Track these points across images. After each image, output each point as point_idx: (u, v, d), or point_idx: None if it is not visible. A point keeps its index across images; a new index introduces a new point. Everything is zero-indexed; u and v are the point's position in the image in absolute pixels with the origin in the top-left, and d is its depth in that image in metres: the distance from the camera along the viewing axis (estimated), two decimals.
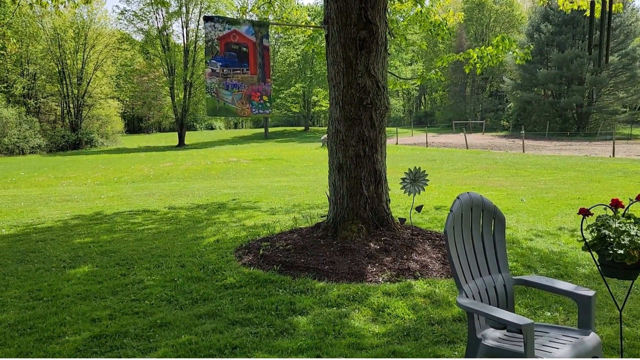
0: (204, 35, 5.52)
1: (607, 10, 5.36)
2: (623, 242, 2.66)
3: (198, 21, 45.51)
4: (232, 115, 5.71)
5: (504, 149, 27.97)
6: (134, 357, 3.40)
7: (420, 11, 8.69)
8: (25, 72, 43.84)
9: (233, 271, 5.19)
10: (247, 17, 13.82)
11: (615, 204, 2.86)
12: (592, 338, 2.60)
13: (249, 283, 4.80)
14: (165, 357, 3.38)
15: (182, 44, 47.06)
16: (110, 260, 5.80)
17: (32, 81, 44.53)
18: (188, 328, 3.83)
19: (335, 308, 4.14)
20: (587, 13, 6.73)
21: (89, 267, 5.55)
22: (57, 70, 44.36)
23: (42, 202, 11.35)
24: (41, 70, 44.74)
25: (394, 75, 8.98)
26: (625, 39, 41.95)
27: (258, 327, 3.82)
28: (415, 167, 6.69)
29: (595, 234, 2.83)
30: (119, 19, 69.07)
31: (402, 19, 9.52)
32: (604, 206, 2.98)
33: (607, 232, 2.76)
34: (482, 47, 8.33)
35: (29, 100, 43.58)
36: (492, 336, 2.70)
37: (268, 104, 5.80)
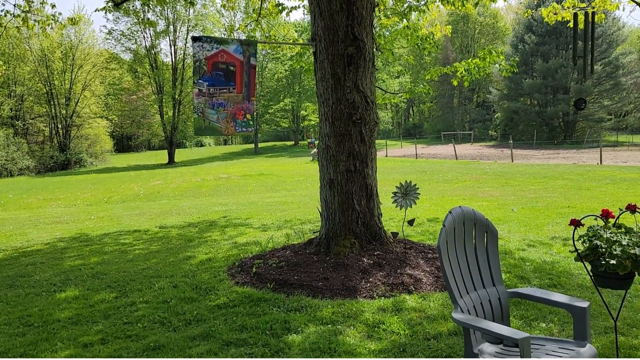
0: (192, 55, 5.55)
1: (590, 21, 5.46)
2: (615, 253, 2.67)
3: (186, 39, 45.67)
4: (217, 134, 5.75)
5: (492, 158, 28.17)
6: None
7: (407, 26, 8.77)
8: (12, 94, 43.59)
9: (226, 290, 5.15)
10: (235, 35, 13.90)
11: (606, 215, 2.88)
12: (588, 350, 2.60)
13: (243, 302, 4.75)
14: None
15: (171, 62, 47.12)
16: (101, 283, 5.73)
17: (20, 102, 44.26)
18: (182, 350, 3.78)
19: (330, 325, 4.11)
20: (571, 24, 6.84)
21: (80, 290, 5.48)
22: (44, 91, 44.19)
23: (31, 224, 11.22)
24: (29, 91, 44.52)
25: (381, 89, 9.04)
26: (608, 47, 42.70)
27: (253, 347, 3.78)
28: (406, 180, 6.70)
29: (587, 245, 2.84)
30: (107, 39, 69.09)
31: (388, 34, 9.60)
32: (595, 216, 3.00)
33: (598, 242, 2.78)
34: (469, 60, 8.39)
35: (16, 122, 43.28)
36: (488, 351, 2.69)
37: (251, 122, 5.83)
